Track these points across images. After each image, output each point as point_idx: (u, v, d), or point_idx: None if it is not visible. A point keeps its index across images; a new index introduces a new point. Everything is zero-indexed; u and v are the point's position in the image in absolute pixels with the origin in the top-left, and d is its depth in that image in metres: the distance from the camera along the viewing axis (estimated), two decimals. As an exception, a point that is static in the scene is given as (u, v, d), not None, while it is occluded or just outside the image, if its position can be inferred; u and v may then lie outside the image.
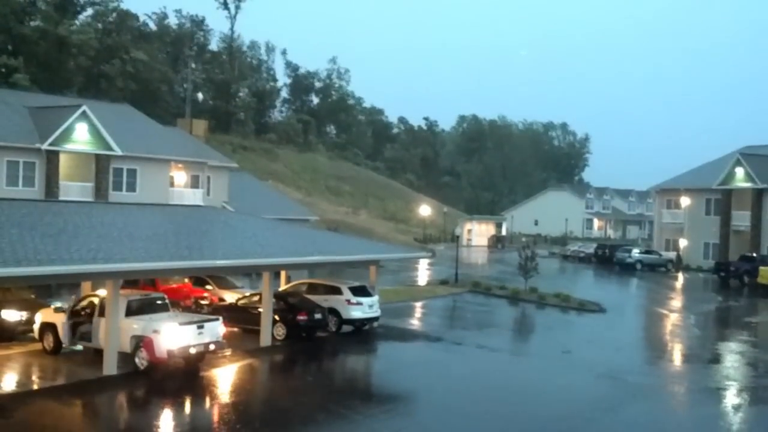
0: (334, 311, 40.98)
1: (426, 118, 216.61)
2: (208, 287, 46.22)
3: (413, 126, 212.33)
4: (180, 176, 66.29)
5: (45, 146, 56.27)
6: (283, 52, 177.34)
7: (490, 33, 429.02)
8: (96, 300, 32.22)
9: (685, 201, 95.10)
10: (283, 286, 43.41)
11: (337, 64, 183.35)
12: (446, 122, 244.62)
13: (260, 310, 37.48)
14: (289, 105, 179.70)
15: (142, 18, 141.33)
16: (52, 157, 56.93)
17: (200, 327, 31.42)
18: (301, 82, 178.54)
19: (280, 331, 38.02)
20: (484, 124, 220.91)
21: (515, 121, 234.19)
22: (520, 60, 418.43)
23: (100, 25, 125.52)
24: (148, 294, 34.34)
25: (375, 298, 42.65)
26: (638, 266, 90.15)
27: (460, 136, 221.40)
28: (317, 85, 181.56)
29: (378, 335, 42.22)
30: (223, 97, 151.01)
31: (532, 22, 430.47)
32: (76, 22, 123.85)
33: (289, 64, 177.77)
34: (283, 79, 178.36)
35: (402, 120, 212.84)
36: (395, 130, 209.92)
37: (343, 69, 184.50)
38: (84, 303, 32.97)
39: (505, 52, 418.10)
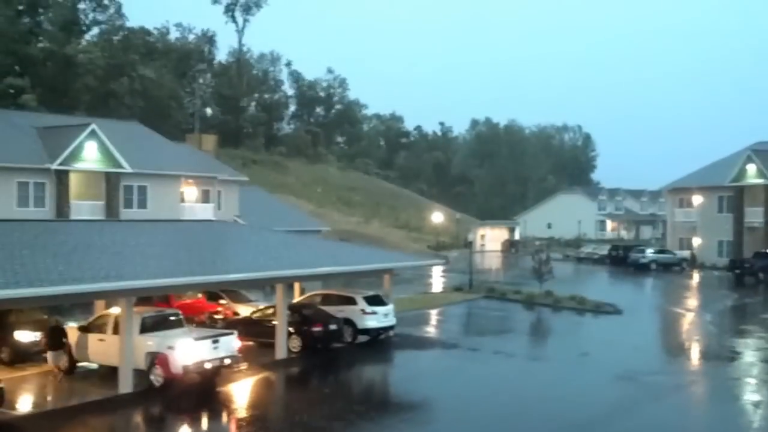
0: (349, 321, 40.76)
1: (441, 123, 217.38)
2: (222, 302, 46.12)
3: (428, 133, 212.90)
4: (191, 191, 66.24)
5: (55, 166, 56.28)
6: (288, 64, 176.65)
7: (503, 37, 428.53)
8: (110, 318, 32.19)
9: (697, 199, 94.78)
10: (297, 298, 43.28)
11: (334, 73, 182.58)
12: (460, 128, 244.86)
13: (275, 322, 37.33)
14: (297, 117, 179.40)
15: (148, 34, 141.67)
16: (62, 177, 56.95)
17: (215, 342, 31.34)
18: (308, 94, 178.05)
19: (296, 344, 37.87)
20: (497, 128, 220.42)
21: (527, 125, 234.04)
22: (531, 63, 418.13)
23: (106, 44, 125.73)
24: (162, 310, 34.26)
25: (390, 307, 42.47)
26: (653, 266, 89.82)
27: (474, 140, 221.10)
28: (321, 95, 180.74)
29: (394, 344, 42.06)
30: (232, 111, 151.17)
31: (542, 26, 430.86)
32: (83, 42, 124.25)
33: (292, 74, 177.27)
34: (289, 91, 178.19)
35: (417, 128, 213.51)
36: (410, 138, 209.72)
37: (341, 77, 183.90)
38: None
39: (517, 55, 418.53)
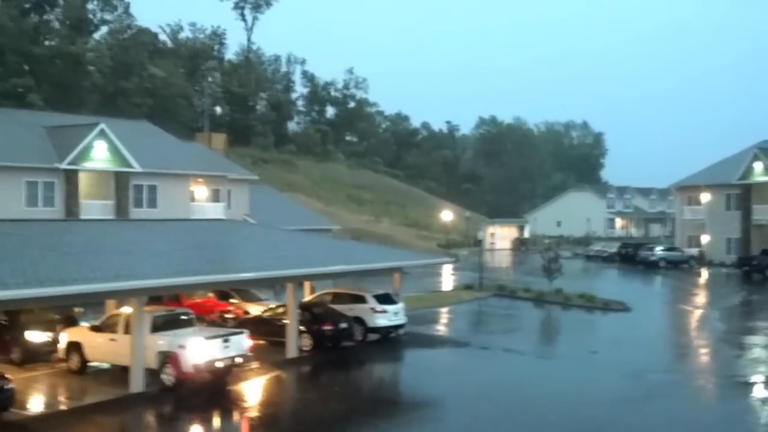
0: (359, 320, 40.81)
1: (448, 122, 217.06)
2: (233, 301, 46.15)
3: (435, 130, 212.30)
4: (200, 191, 66.27)
5: (64, 165, 56.31)
6: (302, 62, 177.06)
7: (507, 36, 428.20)
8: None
9: (705, 197, 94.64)
10: (307, 297, 43.32)
11: (354, 74, 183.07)
12: (467, 126, 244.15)
13: (285, 321, 37.35)
14: (306, 115, 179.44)
15: (157, 32, 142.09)
16: (71, 176, 56.96)
17: (226, 341, 31.37)
18: (318, 92, 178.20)
19: (306, 342, 37.93)
20: (503, 126, 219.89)
21: (535, 122, 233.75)
22: (538, 62, 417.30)
23: (115, 43, 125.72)
24: (173, 310, 34.30)
25: (400, 306, 42.51)
26: (661, 264, 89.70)
27: (480, 139, 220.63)
28: (335, 95, 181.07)
29: (404, 342, 42.08)
30: (241, 110, 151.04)
31: (549, 25, 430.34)
32: (91, 40, 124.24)
33: (305, 74, 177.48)
34: (302, 89, 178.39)
35: (424, 125, 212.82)
36: (418, 137, 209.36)
37: (360, 78, 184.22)
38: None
39: (523, 55, 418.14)
